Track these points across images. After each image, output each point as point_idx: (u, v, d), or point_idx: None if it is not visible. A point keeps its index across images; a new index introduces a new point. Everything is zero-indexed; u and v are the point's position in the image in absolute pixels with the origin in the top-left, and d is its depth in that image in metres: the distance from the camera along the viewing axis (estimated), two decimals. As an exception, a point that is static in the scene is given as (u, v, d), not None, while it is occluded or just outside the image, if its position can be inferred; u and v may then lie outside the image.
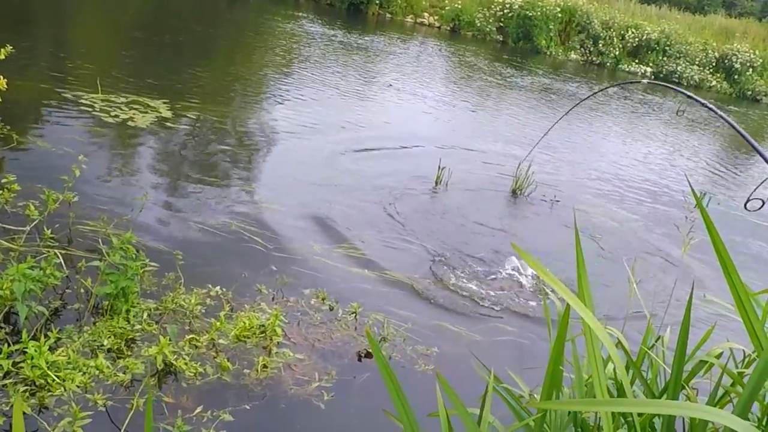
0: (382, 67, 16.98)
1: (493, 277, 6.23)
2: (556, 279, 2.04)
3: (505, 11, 27.74)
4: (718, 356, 2.51)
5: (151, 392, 3.73)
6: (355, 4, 26.36)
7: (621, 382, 2.00)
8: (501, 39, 28.17)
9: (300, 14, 22.68)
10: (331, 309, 5.06)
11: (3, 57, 6.28)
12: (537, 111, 15.89)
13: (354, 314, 5.04)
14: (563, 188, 9.66)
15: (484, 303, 5.73)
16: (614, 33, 29.19)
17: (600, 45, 29.05)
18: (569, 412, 2.52)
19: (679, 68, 29.35)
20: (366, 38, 20.82)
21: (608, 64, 29.01)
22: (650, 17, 32.20)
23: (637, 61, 29.54)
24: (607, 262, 7.21)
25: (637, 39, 29.46)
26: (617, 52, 29.18)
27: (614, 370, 2.79)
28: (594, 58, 28.98)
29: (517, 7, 27.56)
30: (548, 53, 27.97)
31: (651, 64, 29.40)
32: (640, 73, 28.82)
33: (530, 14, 27.29)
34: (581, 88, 21.20)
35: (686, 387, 2.43)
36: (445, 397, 2.23)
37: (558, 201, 9.03)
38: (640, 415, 2.08)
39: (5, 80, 6.40)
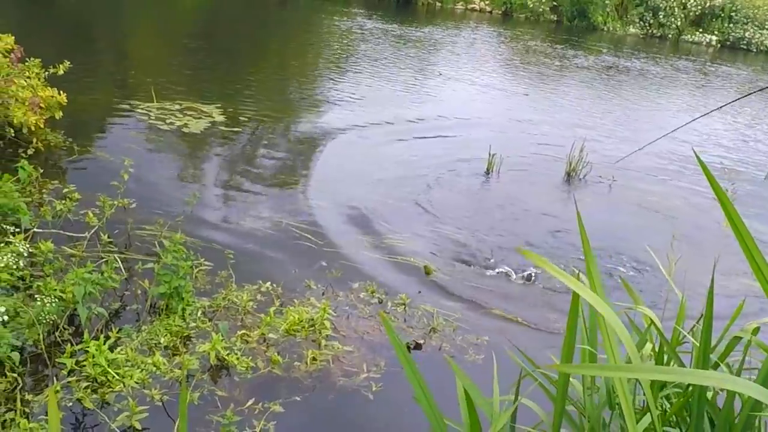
0: (435, 57, 16.93)
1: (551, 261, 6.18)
2: (561, 270, 2.05)
3: (559, -10, 27.24)
4: (755, 331, 2.46)
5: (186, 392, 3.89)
6: (405, -5, 26.38)
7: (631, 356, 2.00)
8: (555, 18, 27.62)
9: (350, 10, 22.82)
10: (380, 302, 5.14)
11: (62, 72, 6.62)
12: (597, 91, 15.54)
13: (403, 306, 5.11)
14: (622, 168, 9.46)
15: (537, 290, 5.70)
16: (675, 3, 28.20)
17: (660, 16, 28.13)
18: (607, 393, 2.53)
19: (747, 34, 28.14)
20: (417, 29, 20.80)
21: (670, 35, 28.08)
22: (713, -17, 30.98)
23: (701, 30, 28.48)
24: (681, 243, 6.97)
25: (700, 7, 28.40)
26: (679, 23, 28.20)
27: (651, 350, 2.79)
28: (654, 31, 28.09)
29: (571, -16, 27.02)
30: (605, 29, 27.27)
31: (716, 32, 28.29)
32: (704, 43, 27.78)
33: (585, -9, 26.70)
34: (648, 64, 20.53)
35: (721, 364, 2.40)
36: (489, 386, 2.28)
37: (615, 181, 8.85)
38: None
39: (65, 95, 6.76)
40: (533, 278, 5.84)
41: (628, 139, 11.30)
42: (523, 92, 14.30)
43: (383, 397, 4.10)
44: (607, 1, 27.42)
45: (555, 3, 27.55)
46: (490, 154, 8.47)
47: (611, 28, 27.46)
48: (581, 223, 2.27)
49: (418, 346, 4.64)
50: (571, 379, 2.44)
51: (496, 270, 5.94)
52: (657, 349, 2.62)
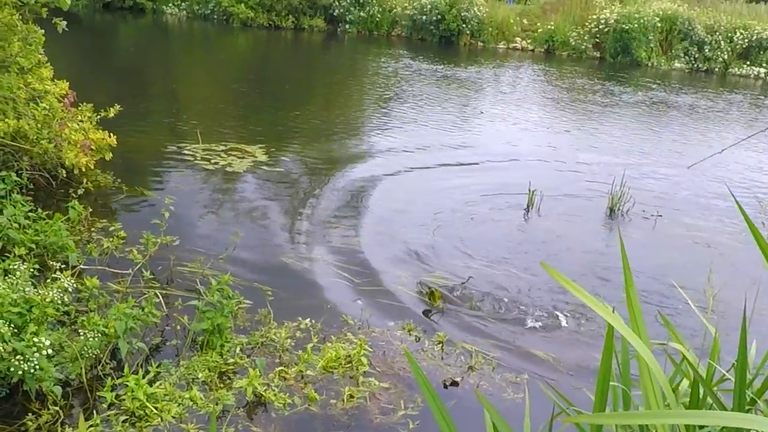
0: (477, 96, 17.03)
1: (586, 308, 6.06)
2: (590, 296, 2.03)
3: (601, 27, 27.12)
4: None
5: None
6: (446, 36, 26.64)
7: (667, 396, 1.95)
8: (598, 55, 27.51)
9: (393, 51, 23.19)
10: (417, 339, 5.12)
11: (112, 115, 6.88)
12: (643, 126, 15.33)
13: (440, 344, 5.07)
14: (667, 203, 9.30)
15: (579, 330, 5.60)
16: (721, 36, 27.82)
17: (706, 50, 27.76)
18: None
19: (797, 65, 27.51)
20: (459, 69, 20.98)
21: (717, 69, 27.64)
22: (760, 15, 30.46)
23: (748, 63, 27.98)
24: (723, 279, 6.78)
25: (746, 40, 27.93)
26: (726, 56, 27.77)
27: (690, 385, 2.71)
28: (700, 65, 27.69)
29: (612, 21, 26.88)
30: (650, 65, 27.02)
31: (765, 65, 27.73)
32: (753, 75, 27.27)
33: (627, 27, 26.50)
34: (696, 99, 20.17)
35: (758, 400, 2.32)
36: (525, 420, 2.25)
37: (660, 216, 8.68)
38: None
39: (115, 137, 7.01)
40: (575, 320, 5.74)
41: (674, 174, 11.12)
42: (566, 129, 14.22)
43: (420, 435, 4.06)
44: (650, 37, 27.23)
45: (598, 40, 27.48)
46: (530, 190, 8.42)
47: (655, 64, 27.20)
48: (624, 252, 2.23)
49: (455, 384, 4.59)
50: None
51: (537, 310, 5.85)
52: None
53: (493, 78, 20.23)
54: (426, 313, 5.57)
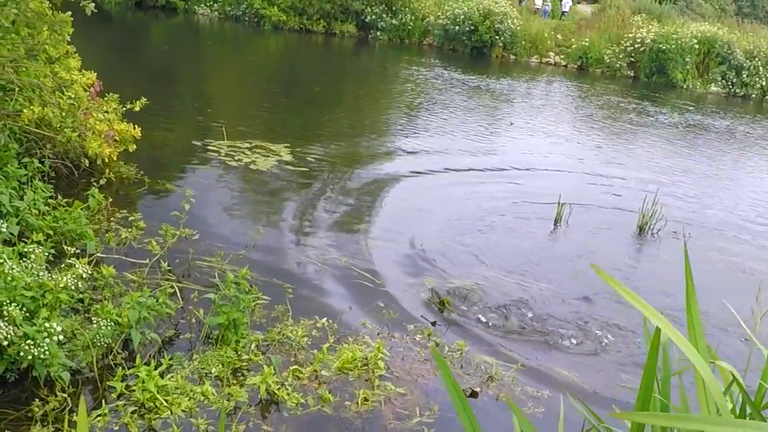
0: (507, 108, 16.85)
1: (612, 322, 5.85)
2: (642, 300, 1.88)
3: (636, 46, 26.79)
4: None
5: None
6: (478, 47, 26.51)
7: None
8: (632, 74, 27.17)
9: (423, 60, 23.11)
10: (437, 344, 4.97)
11: (138, 108, 6.84)
12: (676, 147, 15.01)
13: (460, 352, 4.91)
14: (700, 225, 9.05)
15: (603, 348, 5.40)
16: (760, 62, 27.31)
17: (744, 76, 27.26)
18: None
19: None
20: (490, 80, 20.83)
21: (754, 95, 27.12)
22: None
23: (787, 90, 27.43)
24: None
25: (786, 66, 27.41)
26: (764, 83, 27.24)
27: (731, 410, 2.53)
28: (737, 90, 27.19)
29: (649, 41, 26.54)
30: (685, 87, 26.61)
31: (805, 94, 27.17)
32: (790, 104, 26.74)
33: (664, 47, 26.15)
34: (732, 123, 19.70)
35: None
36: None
37: (691, 237, 8.43)
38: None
39: (140, 129, 6.98)
40: (600, 338, 5.54)
41: (708, 196, 10.85)
42: (597, 145, 13.98)
43: (435, 444, 3.91)
44: (687, 59, 26.82)
45: (632, 59, 27.15)
46: (559, 204, 8.23)
47: (690, 86, 26.78)
48: (687, 260, 2.08)
49: (474, 394, 4.43)
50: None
51: (562, 326, 5.65)
52: (739, 409, 2.38)
53: (525, 91, 20.05)
54: (444, 321, 5.41)
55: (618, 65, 27.07)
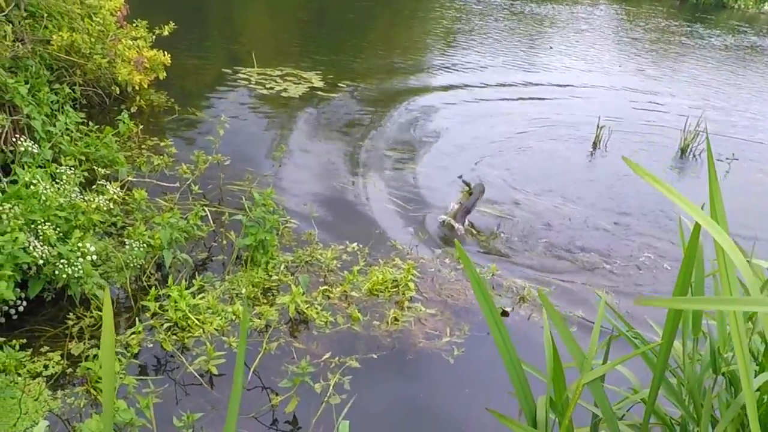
0: (547, 32, 16.29)
1: (649, 243, 5.74)
2: (678, 193, 1.80)
3: (685, -36, 25.55)
4: None
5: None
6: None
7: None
8: (680, -5, 26.00)
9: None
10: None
11: (167, 33, 6.78)
12: (725, 69, 14.40)
13: (492, 275, 4.88)
14: (743, 146, 8.73)
15: (639, 269, 5.31)
16: (817, -21, 25.83)
17: (799, -7, 25.87)
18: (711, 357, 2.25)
19: None
20: (531, 4, 20.11)
21: (810, 14, 25.78)
22: None
23: None
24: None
25: None
26: (821, 0, 25.83)
27: None
28: (792, 9, 25.87)
29: (698, -42, 25.28)
30: (735, 7, 25.37)
31: None
32: None
33: (714, -35, 24.91)
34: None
35: None
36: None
37: (737, 159, 8.15)
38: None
39: (170, 56, 6.93)
40: (634, 261, 5.45)
41: (757, 118, 10.43)
42: (640, 69, 13.49)
43: (464, 361, 3.92)
44: (738, -23, 25.52)
45: (680, -21, 25.94)
46: (597, 127, 8.01)
47: (742, 6, 25.52)
48: (711, 158, 1.97)
49: (505, 314, 4.41)
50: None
51: (595, 249, 5.57)
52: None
53: (567, 15, 19.33)
54: (476, 245, 5.37)
55: (665, -15, 25.88)
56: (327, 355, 3.73)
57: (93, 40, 5.85)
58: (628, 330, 2.63)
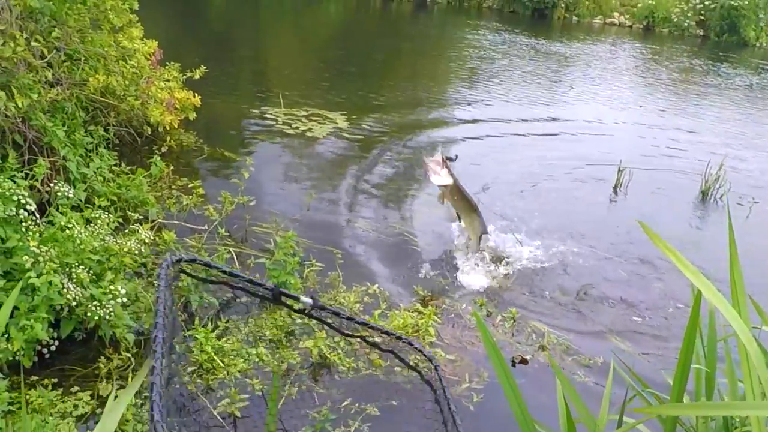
0: (569, 71, 16.41)
1: (672, 293, 5.75)
2: (687, 262, 1.86)
3: (706, 3, 25.61)
4: None
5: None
6: (539, 9, 25.82)
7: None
8: (701, 33, 26.02)
9: (482, 23, 22.67)
10: (489, 314, 5.00)
11: (198, 76, 6.99)
12: (747, 111, 14.38)
13: (512, 320, 4.94)
14: (765, 189, 8.73)
15: (660, 318, 5.33)
16: (842, 19, 25.81)
17: (823, 34, 25.83)
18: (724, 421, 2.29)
19: None
20: (552, 43, 20.31)
21: (833, 54, 25.72)
22: None
23: None
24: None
25: None
26: None
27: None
28: (816, 50, 25.83)
29: (720, -3, 25.38)
30: (758, 45, 25.38)
31: None
32: None
33: (736, 4, 24.92)
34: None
35: None
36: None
37: (757, 203, 8.16)
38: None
39: (200, 97, 7.13)
40: (655, 306, 5.47)
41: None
42: (661, 108, 13.54)
43: (484, 409, 3.97)
44: (761, 15, 25.54)
45: (702, 17, 26.01)
46: (619, 169, 8.06)
47: (764, 44, 25.54)
48: (731, 228, 2.05)
49: (524, 362, 4.46)
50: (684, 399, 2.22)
51: (615, 294, 5.59)
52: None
53: (587, 53, 19.48)
54: (496, 290, 5.42)
55: (686, 24, 25.96)
56: (348, 401, 3.80)
57: (127, 82, 6.05)
58: (643, 389, 2.68)
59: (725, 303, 1.71)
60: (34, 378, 3.60)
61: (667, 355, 4.78)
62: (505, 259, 5.79)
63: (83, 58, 5.82)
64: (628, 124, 11.70)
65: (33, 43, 4.81)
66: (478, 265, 5.61)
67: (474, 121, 10.28)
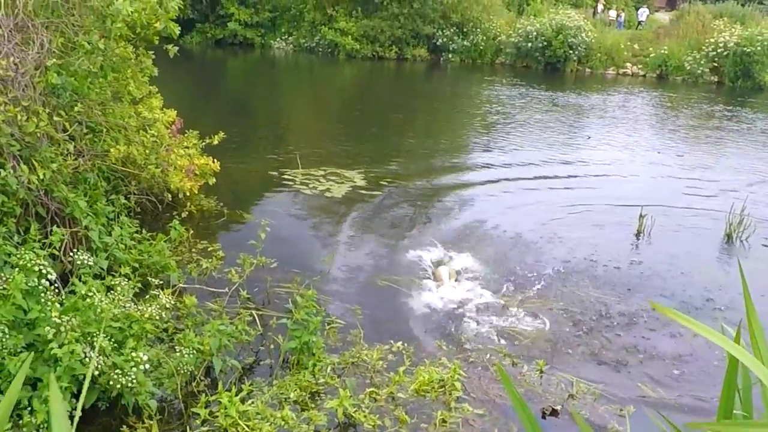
0: (584, 122, 16.48)
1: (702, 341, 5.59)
2: (705, 326, 1.81)
3: (719, 50, 25.79)
4: None
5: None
6: (551, 63, 26.20)
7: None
8: (715, 80, 26.14)
9: (496, 79, 23.03)
10: (515, 365, 4.89)
11: (216, 142, 7.12)
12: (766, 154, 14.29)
13: (539, 372, 4.82)
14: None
15: (691, 365, 5.17)
16: None
17: (840, 76, 25.77)
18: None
19: None
20: (565, 95, 20.51)
21: None
22: None
23: None
24: None
25: None
26: None
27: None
28: (831, 89, 25.74)
29: (732, 44, 25.50)
30: (774, 88, 25.38)
31: None
32: None
33: (749, 50, 25.07)
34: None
35: None
36: None
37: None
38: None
39: (219, 163, 7.25)
40: (686, 354, 5.31)
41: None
42: (679, 154, 13.48)
43: (514, 465, 3.84)
44: (774, 59, 25.63)
45: (715, 64, 26.15)
46: (641, 216, 7.98)
47: (780, 87, 25.52)
48: (743, 277, 2.01)
49: (554, 413, 4.33)
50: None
51: (646, 345, 5.44)
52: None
53: (602, 103, 19.61)
54: (521, 341, 5.31)
55: (700, 71, 26.11)
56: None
57: (148, 151, 6.18)
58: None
59: (751, 358, 1.66)
60: (57, 450, 3.55)
61: (699, 404, 4.63)
62: (530, 311, 5.70)
63: (104, 130, 5.97)
64: (648, 170, 11.64)
65: (55, 118, 4.93)
66: (502, 316, 5.52)
67: (490, 179, 10.28)
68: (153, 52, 6.49)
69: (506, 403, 4.40)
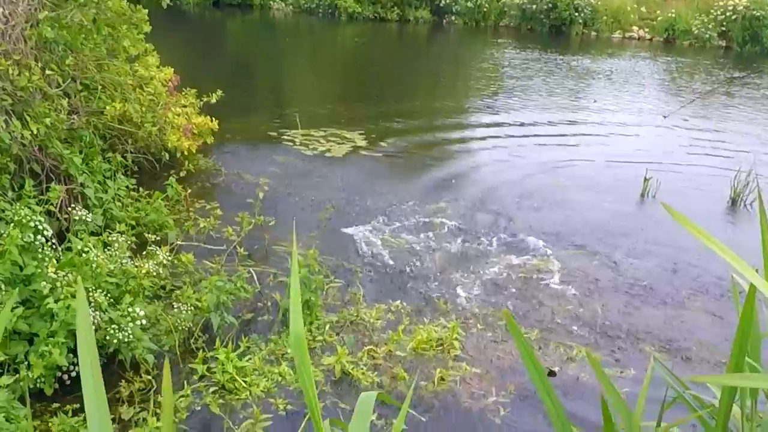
0: (590, 86, 16.27)
1: (702, 302, 5.57)
2: (720, 244, 1.75)
3: (728, 14, 25.34)
4: None
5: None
6: (556, 26, 25.75)
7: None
8: (724, 44, 25.71)
9: (501, 41, 22.69)
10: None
11: (214, 101, 7.02)
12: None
13: (537, 331, 4.81)
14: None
15: (692, 329, 5.15)
16: None
17: None
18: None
19: None
20: (571, 58, 20.22)
21: None
22: None
23: None
24: None
25: None
26: None
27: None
28: (841, 53, 25.37)
29: (742, 8, 25.04)
30: (781, 53, 25.02)
31: None
32: None
33: (759, 14, 24.62)
34: None
35: None
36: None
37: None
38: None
39: (217, 122, 7.17)
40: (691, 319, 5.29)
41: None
42: (685, 119, 13.32)
43: (511, 422, 3.84)
44: (784, 23, 25.20)
45: (723, 28, 25.72)
46: (645, 178, 7.90)
47: (789, 52, 25.15)
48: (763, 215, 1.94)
49: (552, 374, 4.32)
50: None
51: (647, 308, 5.41)
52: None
53: (608, 68, 19.34)
54: (521, 302, 5.29)
55: (708, 36, 25.68)
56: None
57: (144, 109, 6.09)
58: (685, 390, 2.55)
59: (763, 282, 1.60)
60: (55, 405, 3.56)
61: (703, 364, 4.62)
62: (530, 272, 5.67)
63: (100, 87, 5.87)
64: (654, 135, 11.50)
65: (48, 72, 4.84)
66: (504, 280, 5.50)
67: (494, 139, 10.21)
68: (147, 11, 6.33)
69: (504, 363, 4.39)
